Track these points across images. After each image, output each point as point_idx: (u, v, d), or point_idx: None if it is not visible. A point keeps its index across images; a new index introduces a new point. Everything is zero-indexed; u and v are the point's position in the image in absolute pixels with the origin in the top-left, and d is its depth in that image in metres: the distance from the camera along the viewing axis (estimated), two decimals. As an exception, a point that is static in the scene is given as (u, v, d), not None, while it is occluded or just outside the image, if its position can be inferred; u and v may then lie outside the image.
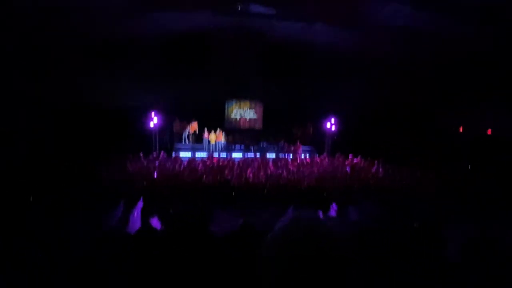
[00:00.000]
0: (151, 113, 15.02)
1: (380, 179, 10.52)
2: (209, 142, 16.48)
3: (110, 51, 13.16)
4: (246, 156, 14.53)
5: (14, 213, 3.60)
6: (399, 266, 1.96)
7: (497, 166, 11.41)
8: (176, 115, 16.88)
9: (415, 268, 1.97)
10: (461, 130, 15.50)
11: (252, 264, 0.90)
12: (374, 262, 1.89)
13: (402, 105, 15.09)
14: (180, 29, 13.73)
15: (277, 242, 0.86)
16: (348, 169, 11.92)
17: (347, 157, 13.52)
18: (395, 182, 10.10)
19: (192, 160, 12.41)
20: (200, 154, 15.20)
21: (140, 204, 3.99)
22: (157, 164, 11.59)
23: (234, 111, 18.44)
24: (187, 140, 17.12)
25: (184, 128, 17.15)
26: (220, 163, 12.01)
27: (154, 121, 15.05)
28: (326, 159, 13.78)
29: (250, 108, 18.52)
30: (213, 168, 11.19)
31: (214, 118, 17.26)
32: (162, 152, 13.48)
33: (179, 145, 16.69)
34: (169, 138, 16.93)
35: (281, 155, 15.82)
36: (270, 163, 12.52)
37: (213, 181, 9.38)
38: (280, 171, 10.87)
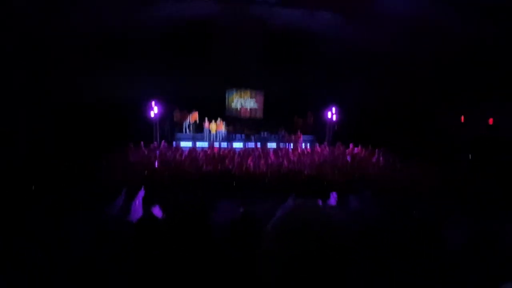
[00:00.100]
0: (151, 102, 14.97)
1: (381, 168, 10.55)
2: (209, 131, 16.47)
3: (110, 41, 13.06)
4: (246, 146, 14.53)
5: (14, 213, 3.62)
6: (399, 254, 1.98)
7: (498, 161, 11.41)
8: (176, 105, 16.82)
9: (414, 257, 1.99)
10: (462, 120, 15.46)
11: (253, 253, 0.91)
12: (374, 250, 1.91)
13: (404, 96, 15.00)
14: (181, 18, 13.59)
15: (278, 231, 0.86)
16: (348, 158, 11.94)
17: (348, 147, 13.52)
18: (396, 171, 10.12)
19: (192, 149, 12.43)
20: (201, 144, 15.20)
21: (141, 193, 4.01)
22: (158, 153, 11.61)
23: (235, 100, 18.38)
24: (187, 130, 17.11)
25: (184, 118, 17.12)
26: (221, 153, 12.03)
27: (154, 110, 15.01)
28: (327, 149, 13.78)
29: (251, 97, 18.45)
30: (214, 157, 11.22)
31: (215, 108, 17.21)
32: (163, 142, 13.49)
33: (179, 135, 16.69)
34: (170, 127, 16.92)
35: (281, 145, 15.81)
36: (271, 153, 12.54)
37: (214, 170, 9.41)
38: (280, 161, 10.89)
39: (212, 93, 17.00)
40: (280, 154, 12.48)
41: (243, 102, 18.43)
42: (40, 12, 10.31)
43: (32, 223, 2.98)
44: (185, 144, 15.15)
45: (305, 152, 13.24)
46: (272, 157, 11.67)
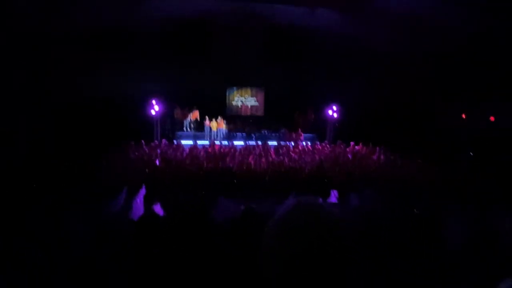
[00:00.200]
0: (152, 101, 14.97)
1: (381, 166, 10.54)
2: (210, 129, 16.47)
3: (110, 39, 13.04)
4: (247, 144, 14.53)
5: (14, 213, 3.62)
6: (399, 252, 1.98)
7: (498, 160, 11.39)
8: (177, 103, 16.82)
9: (414, 255, 1.99)
10: (463, 117, 15.44)
11: (254, 251, 0.91)
12: (375, 248, 1.91)
13: (405, 94, 14.98)
14: (181, 15, 13.56)
15: (279, 229, 0.86)
16: (349, 156, 11.93)
17: (349, 145, 13.51)
18: (396, 169, 10.12)
19: (193, 147, 12.43)
20: (202, 142, 15.21)
21: (142, 191, 4.03)
22: (159, 151, 11.62)
23: (236, 98, 18.36)
24: (188, 128, 17.11)
25: (185, 116, 17.12)
26: (222, 151, 12.03)
27: (155, 108, 15.02)
28: (328, 146, 13.77)
29: (252, 95, 18.43)
30: (215, 155, 11.22)
31: (216, 106, 17.21)
32: (163, 140, 13.49)
33: (180, 133, 16.70)
34: (171, 125, 16.93)
35: (282, 143, 15.83)
36: (272, 151, 12.53)
37: (215, 168, 9.41)
38: (281, 159, 10.89)
39: (213, 91, 16.99)
40: (281, 152, 12.47)
41: (244, 100, 18.41)
42: (39, 12, 10.29)
43: (32, 223, 2.98)
44: (186, 142, 15.16)
45: (306, 150, 13.23)
46: (273, 155, 11.67)
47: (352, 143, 13.48)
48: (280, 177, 8.80)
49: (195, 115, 17.12)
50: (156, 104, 15.02)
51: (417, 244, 2.21)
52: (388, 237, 2.13)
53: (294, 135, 16.24)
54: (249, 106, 18.44)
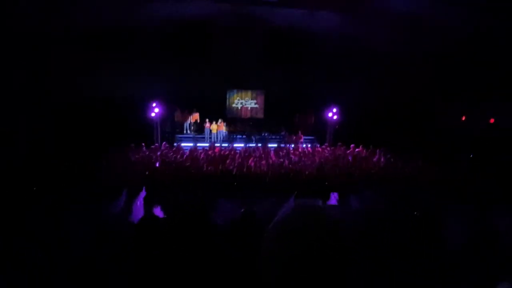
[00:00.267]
0: (152, 103, 14.99)
1: (382, 168, 10.53)
2: (210, 132, 16.48)
3: (110, 40, 13.06)
4: (247, 146, 14.54)
5: (14, 213, 3.62)
6: (399, 253, 1.98)
7: (498, 160, 11.39)
8: (177, 105, 16.84)
9: (415, 256, 1.99)
10: (463, 119, 15.45)
11: (254, 253, 0.91)
12: (375, 250, 1.91)
13: (405, 95, 14.99)
14: (182, 17, 13.59)
15: (279, 231, 0.86)
16: (349, 158, 11.93)
17: (349, 147, 13.51)
18: (397, 171, 10.11)
19: (194, 149, 12.44)
20: (202, 144, 15.22)
21: (142, 193, 4.03)
22: (159, 153, 11.62)
23: (236, 100, 18.38)
24: (188, 130, 17.13)
25: (185, 118, 17.14)
26: (222, 153, 12.03)
27: (155, 111, 15.04)
28: (328, 149, 13.77)
29: (252, 97, 18.45)
30: (215, 157, 11.22)
31: (216, 108, 17.22)
32: (164, 142, 13.50)
33: (180, 135, 16.71)
34: (171, 128, 16.94)
35: (282, 145, 15.84)
36: (272, 153, 12.53)
37: (215, 170, 9.41)
38: (281, 161, 10.89)
39: (213, 93, 17.00)
40: (281, 154, 12.47)
41: (244, 102, 18.43)
42: (40, 12, 10.31)
43: (32, 223, 2.98)
44: (186, 145, 15.17)
45: (306, 152, 13.23)
46: (273, 157, 11.66)
47: (352, 145, 13.48)
48: (280, 179, 8.79)
49: (195, 117, 17.14)
50: (157, 106, 15.04)
51: (417, 245, 2.21)
52: (389, 238, 2.13)
53: (294, 138, 16.25)
54: (249, 109, 18.45)
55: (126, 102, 14.00)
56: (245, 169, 9.55)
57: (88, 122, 13.35)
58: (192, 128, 17.17)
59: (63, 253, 2.17)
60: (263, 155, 11.79)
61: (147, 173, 8.84)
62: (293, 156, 11.90)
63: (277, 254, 0.83)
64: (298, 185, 8.25)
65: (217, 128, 16.58)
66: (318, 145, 15.17)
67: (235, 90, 18.30)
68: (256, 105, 18.47)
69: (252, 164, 10.19)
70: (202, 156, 11.40)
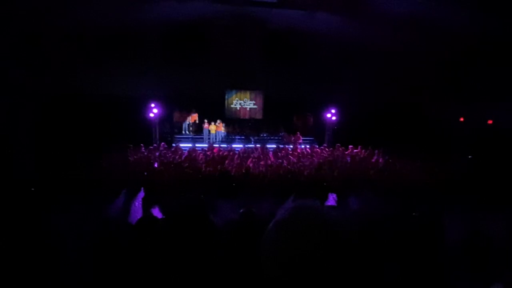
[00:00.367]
0: (151, 103, 14.97)
1: (380, 169, 10.55)
2: (209, 132, 16.47)
3: (108, 41, 13.04)
4: (246, 147, 14.54)
5: (11, 215, 3.61)
6: (398, 254, 1.98)
7: (497, 161, 11.43)
8: (176, 106, 16.83)
9: (414, 257, 1.99)
10: (461, 120, 15.50)
11: (255, 254, 0.91)
12: (374, 251, 1.91)
13: (403, 97, 15.02)
14: (179, 18, 13.58)
15: (278, 232, 0.86)
16: (348, 159, 11.94)
17: (347, 148, 13.52)
18: (395, 172, 10.12)
19: (192, 150, 12.43)
20: (201, 145, 15.21)
21: (141, 194, 4.02)
22: (157, 154, 11.61)
23: (234, 101, 18.37)
24: (187, 131, 17.12)
25: (184, 119, 17.13)
26: (221, 154, 12.02)
27: (154, 111, 15.02)
28: (326, 150, 13.79)
29: (250, 98, 18.45)
30: (214, 158, 11.21)
31: (214, 109, 17.22)
32: (162, 143, 13.49)
33: (179, 136, 16.70)
34: (169, 128, 16.93)
35: (281, 146, 15.84)
36: (271, 154, 12.53)
37: (213, 171, 9.40)
38: (280, 161, 10.89)
39: (212, 94, 16.99)
40: (279, 155, 12.47)
41: (243, 103, 18.43)
42: (39, 11, 10.28)
43: (29, 225, 2.97)
44: (185, 145, 15.16)
45: (305, 153, 13.24)
46: (272, 158, 11.66)
47: (350, 146, 13.50)
48: (279, 180, 8.79)
49: (194, 118, 17.14)
50: (155, 106, 15.02)
51: (415, 246, 2.21)
52: (387, 239, 2.13)
53: (293, 138, 16.26)
54: (248, 109, 18.44)
55: (125, 103, 13.98)
56: (243, 170, 9.55)
57: (86, 123, 13.32)
58: (191, 128, 17.17)
59: (60, 256, 2.16)
60: (261, 156, 11.79)
61: (145, 173, 8.82)
62: (291, 157, 11.90)
63: (276, 255, 0.82)
64: (297, 185, 8.25)
65: (216, 128, 16.59)
66: (317, 146, 15.17)
67: (234, 91, 18.30)
68: (255, 106, 18.48)
69: (251, 164, 10.19)
70: (200, 156, 11.39)
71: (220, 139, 16.56)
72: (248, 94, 18.39)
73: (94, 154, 10.34)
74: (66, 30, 11.78)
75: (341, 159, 11.85)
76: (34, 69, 11.96)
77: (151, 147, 12.88)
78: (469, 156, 13.99)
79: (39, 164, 9.09)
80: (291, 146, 15.18)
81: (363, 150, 13.07)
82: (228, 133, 17.01)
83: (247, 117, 18.39)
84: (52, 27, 11.32)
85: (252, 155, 11.75)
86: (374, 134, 14.02)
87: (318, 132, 17.57)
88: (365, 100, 15.21)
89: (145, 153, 11.72)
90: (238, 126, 17.70)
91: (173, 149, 12.88)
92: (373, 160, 11.63)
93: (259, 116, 18.45)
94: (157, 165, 10.19)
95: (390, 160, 11.38)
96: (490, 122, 14.66)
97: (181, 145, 14.40)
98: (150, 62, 14.18)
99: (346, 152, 13.09)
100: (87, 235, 2.50)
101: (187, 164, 9.89)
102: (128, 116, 14.19)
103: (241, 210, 2.88)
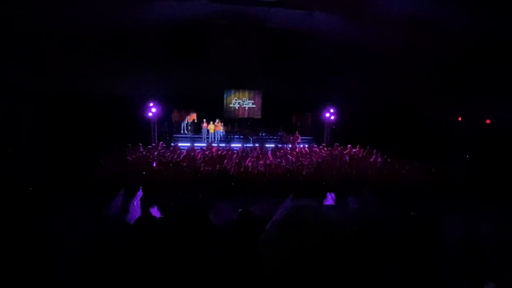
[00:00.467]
0: (149, 103, 14.96)
1: (379, 169, 10.56)
2: (208, 132, 16.46)
3: (106, 41, 13.01)
4: (245, 146, 14.53)
5: (10, 215, 3.59)
6: (396, 253, 1.98)
7: (496, 161, 11.46)
8: (174, 105, 16.81)
9: (412, 256, 1.99)
10: (459, 119, 15.54)
11: (253, 253, 0.91)
12: (372, 250, 1.91)
13: (402, 96, 15.04)
14: (178, 17, 13.55)
15: (277, 231, 0.86)
16: (347, 158, 11.94)
17: (346, 147, 13.53)
18: (393, 172, 10.14)
19: (191, 150, 12.41)
20: (199, 144, 15.20)
21: (139, 193, 4.01)
22: (156, 153, 11.58)
23: (233, 100, 18.36)
24: (186, 130, 17.11)
25: (183, 118, 17.11)
26: (219, 153, 12.01)
27: (152, 111, 15.00)
28: (325, 149, 13.79)
29: (249, 97, 18.44)
30: (212, 158, 11.20)
31: (213, 108, 17.21)
32: (161, 142, 13.47)
33: (178, 135, 16.68)
34: (168, 128, 16.91)
35: (280, 145, 15.85)
36: (269, 153, 12.53)
37: (212, 171, 9.40)
38: (279, 161, 10.89)
39: (211, 93, 16.98)
40: (278, 154, 12.48)
41: (242, 102, 18.41)
42: (37, 12, 10.25)
43: (29, 224, 2.96)
44: (183, 145, 15.14)
45: (303, 152, 13.24)
46: (271, 158, 11.66)
47: (349, 145, 13.51)
48: (277, 179, 8.79)
49: (192, 117, 17.12)
50: (154, 106, 15.00)
51: (414, 245, 2.21)
52: (386, 239, 2.13)
53: (291, 138, 16.26)
54: (247, 109, 18.43)
55: (123, 102, 13.96)
56: (242, 169, 9.55)
57: (85, 122, 13.29)
58: (190, 128, 17.15)
59: (60, 254, 2.16)
60: (260, 155, 11.78)
61: (144, 173, 8.81)
62: (290, 156, 11.90)
63: (275, 255, 0.82)
64: (296, 185, 8.26)
65: (215, 128, 16.57)
66: (316, 146, 15.18)
67: (232, 90, 18.28)
68: (254, 105, 18.46)
69: (250, 164, 10.18)
70: (199, 156, 11.38)
71: (219, 138, 16.55)
72: (247, 93, 18.38)
73: (92, 154, 10.32)
74: (66, 30, 11.75)
75: (339, 158, 11.85)
76: (34, 69, 11.94)
77: (150, 146, 12.85)
78: (467, 156, 14.02)
79: (39, 164, 9.07)
80: (290, 146, 15.19)
81: (361, 150, 13.08)
82: (226, 133, 17.00)
83: (246, 116, 18.38)
84: (52, 27, 11.28)
85: (251, 155, 11.74)
86: (372, 134, 14.04)
87: (316, 131, 17.57)
88: (364, 99, 15.23)
89: (144, 153, 11.68)
90: (237, 125, 17.69)
91: (171, 149, 12.86)
92: (371, 160, 11.64)
93: (258, 115, 18.44)
94: (156, 164, 10.17)
95: (389, 160, 11.39)
96: (488, 121, 14.70)
97: (180, 144, 14.38)
98: (149, 61, 14.16)
99: (345, 152, 13.09)
100: (86, 234, 2.49)
101: (185, 164, 9.87)
102: (126, 115, 14.16)
103: (240, 210, 2.88)
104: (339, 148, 13.58)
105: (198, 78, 15.61)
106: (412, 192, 7.34)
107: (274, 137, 16.98)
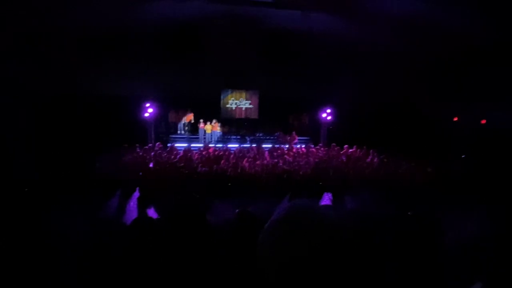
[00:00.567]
0: (146, 103, 14.91)
1: (375, 169, 10.60)
2: (204, 132, 16.44)
3: (103, 41, 12.96)
4: (242, 146, 14.53)
5: (7, 216, 3.57)
6: (394, 253, 1.99)
7: (493, 161, 11.53)
8: (171, 105, 16.77)
9: (410, 256, 1.99)
10: (455, 119, 15.62)
11: (250, 253, 0.91)
12: (370, 250, 1.91)
13: (399, 97, 15.10)
14: (174, 18, 13.53)
15: (275, 232, 0.86)
16: (343, 158, 11.98)
17: (343, 147, 13.57)
18: (390, 172, 10.18)
19: (188, 150, 12.39)
20: (196, 145, 15.18)
21: (136, 194, 4.00)
22: (152, 154, 11.55)
23: (230, 101, 18.35)
24: (182, 131, 17.07)
25: (179, 118, 17.08)
26: (216, 153, 12.00)
27: (149, 111, 14.96)
28: (322, 149, 13.82)
29: (246, 98, 18.44)
30: (209, 158, 11.19)
31: (210, 108, 17.19)
32: (157, 143, 13.43)
33: (174, 135, 16.65)
34: (165, 128, 16.88)
35: (277, 145, 15.86)
36: (266, 153, 12.54)
37: (209, 171, 9.39)
38: (276, 161, 10.90)
39: (207, 93, 16.95)
40: (275, 154, 12.48)
41: (238, 102, 18.41)
42: (37, 12, 10.20)
43: (27, 224, 2.94)
44: (180, 145, 15.10)
45: (300, 152, 13.26)
46: (268, 158, 11.67)
47: (346, 145, 13.55)
48: (274, 180, 8.80)
49: (189, 117, 17.09)
50: (150, 106, 14.96)
51: (411, 245, 2.22)
52: (384, 239, 2.14)
53: (288, 138, 16.28)
54: (244, 109, 18.43)
55: (120, 102, 13.91)
56: (239, 170, 9.54)
57: (81, 123, 13.23)
58: (186, 128, 17.11)
59: (57, 256, 2.14)
60: (257, 156, 11.79)
61: (140, 174, 8.78)
62: (287, 157, 11.91)
63: (273, 255, 0.82)
64: (293, 185, 8.27)
65: (212, 128, 16.55)
66: (312, 146, 15.20)
67: (229, 91, 18.27)
68: (251, 106, 18.46)
69: (247, 164, 10.18)
70: (196, 156, 11.36)
71: (216, 139, 16.53)
72: (243, 93, 18.37)
73: (89, 154, 10.28)
74: (65, 30, 11.70)
75: (336, 158, 11.88)
76: (33, 69, 11.87)
77: (146, 147, 12.82)
78: (463, 156, 14.09)
79: (38, 164, 9.03)
80: (287, 146, 15.21)
81: (358, 150, 13.12)
82: (223, 133, 16.99)
83: (242, 117, 18.37)
84: (51, 27, 11.23)
85: (247, 155, 11.74)
86: (369, 134, 14.08)
87: (313, 131, 17.60)
88: (361, 100, 15.27)
89: (140, 153, 11.65)
90: (233, 126, 17.68)
91: (168, 149, 12.82)
92: (368, 160, 11.68)
93: (254, 116, 18.44)
94: (152, 165, 10.14)
95: (385, 160, 11.44)
96: (483, 122, 14.80)
97: (177, 145, 14.35)
98: (146, 61, 14.10)
99: (342, 152, 13.13)
100: (83, 234, 2.48)
101: (182, 164, 9.86)
102: (123, 116, 14.11)
103: (237, 210, 2.88)
104: (335, 148, 13.62)
105: (195, 78, 15.58)
106: (409, 192, 7.37)
107: (271, 138, 16.98)
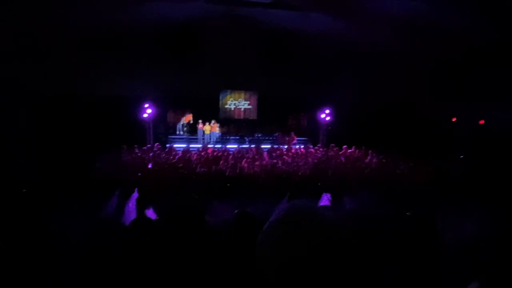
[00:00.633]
0: (144, 104, 14.90)
1: (374, 169, 10.61)
2: (203, 133, 16.42)
3: (102, 42, 12.95)
4: (241, 147, 14.53)
5: (6, 217, 3.57)
6: (393, 254, 1.99)
7: (492, 161, 11.55)
8: (170, 106, 16.76)
9: (409, 257, 2.00)
10: (454, 120, 15.65)
11: (248, 255, 0.91)
12: (369, 251, 1.91)
13: (398, 97, 15.12)
14: (173, 18, 13.53)
15: (274, 232, 0.86)
16: (342, 159, 11.99)
17: (341, 148, 13.58)
18: (389, 172, 10.19)
19: (186, 151, 12.38)
20: (195, 145, 15.16)
21: (135, 194, 4.00)
22: (151, 155, 11.54)
23: (229, 101, 18.34)
24: (181, 131, 17.06)
25: (178, 119, 17.06)
26: (215, 154, 12.00)
27: (148, 112, 14.94)
28: (321, 150, 13.83)
29: (245, 98, 18.43)
30: (208, 159, 11.18)
31: (209, 109, 17.18)
32: (156, 143, 13.42)
33: (173, 136, 16.63)
34: (164, 129, 16.86)
35: (275, 146, 15.87)
36: (265, 154, 12.54)
37: (208, 172, 9.38)
38: (275, 162, 10.90)
39: (206, 94, 16.95)
40: (274, 155, 12.48)
41: (237, 103, 18.41)
42: (37, 12, 10.20)
43: (27, 224, 2.94)
44: (179, 146, 15.09)
45: (299, 153, 13.26)
46: (266, 158, 11.67)
47: (344, 146, 13.56)
48: (273, 180, 8.80)
49: (188, 118, 17.07)
50: (149, 107, 14.95)
51: (409, 246, 2.22)
52: (383, 239, 2.14)
53: (287, 139, 16.28)
54: (243, 110, 18.42)
55: (119, 103, 13.89)
56: (238, 170, 9.54)
57: (79, 123, 13.22)
58: (185, 129, 17.10)
59: (55, 256, 2.14)
60: (256, 156, 11.79)
61: (139, 174, 8.77)
62: (286, 157, 11.92)
63: (272, 256, 0.82)
64: (291, 186, 8.28)
65: (210, 129, 16.53)
66: (311, 146, 15.21)
67: (228, 91, 18.26)
68: (250, 106, 18.45)
69: (245, 165, 10.18)
70: (195, 157, 11.35)
71: (215, 139, 16.51)
72: (242, 94, 18.36)
73: (88, 155, 10.26)
74: (65, 30, 11.69)
75: (335, 159, 11.89)
76: (33, 69, 11.85)
77: (145, 147, 12.80)
78: (461, 156, 14.11)
79: (38, 164, 9.01)
80: (286, 147, 15.21)
81: (357, 150, 13.13)
82: (222, 134, 16.98)
83: (241, 117, 18.37)
84: (51, 27, 11.21)
85: (246, 156, 11.74)
86: (368, 134, 14.10)
87: (312, 132, 17.61)
88: (360, 100, 15.29)
89: (139, 154, 11.64)
90: (232, 126, 17.67)
91: (167, 150, 12.82)
92: (367, 160, 11.69)
93: (253, 116, 18.44)
94: (151, 165, 10.13)
95: (384, 160, 11.45)
96: (481, 122, 14.82)
97: (175, 145, 14.34)
98: (144, 62, 14.11)
99: (340, 152, 13.14)
100: (82, 235, 2.48)
101: (181, 165, 9.85)
102: (122, 116, 14.09)
103: (236, 211, 2.88)
104: (334, 149, 13.62)
105: (194, 79, 15.58)
106: (408, 192, 7.38)
107: (270, 138, 16.98)
